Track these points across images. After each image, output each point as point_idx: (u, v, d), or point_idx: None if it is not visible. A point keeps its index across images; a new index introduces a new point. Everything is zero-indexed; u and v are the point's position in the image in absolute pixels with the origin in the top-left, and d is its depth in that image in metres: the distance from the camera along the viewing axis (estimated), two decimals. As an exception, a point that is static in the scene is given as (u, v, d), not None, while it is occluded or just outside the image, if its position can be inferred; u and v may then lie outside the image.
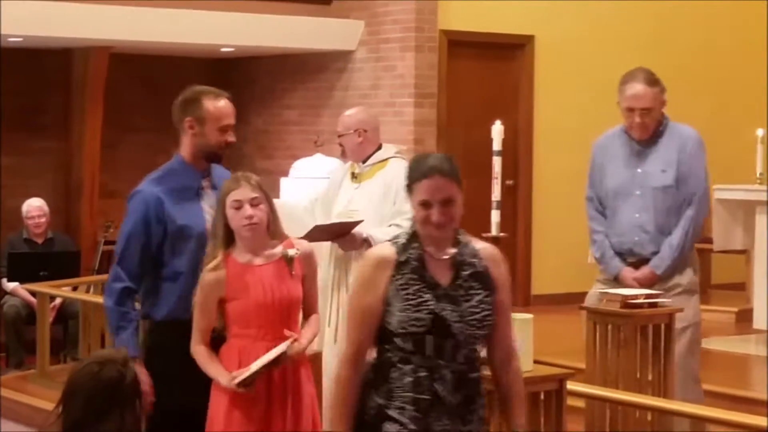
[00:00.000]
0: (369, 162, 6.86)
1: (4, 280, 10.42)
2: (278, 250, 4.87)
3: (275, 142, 12.81)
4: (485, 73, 11.72)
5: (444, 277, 4.00)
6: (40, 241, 10.77)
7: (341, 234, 6.60)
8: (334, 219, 6.78)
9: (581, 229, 11.93)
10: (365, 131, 6.83)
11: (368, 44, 11.65)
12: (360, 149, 6.84)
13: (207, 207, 5.06)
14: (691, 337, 6.45)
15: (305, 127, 12.25)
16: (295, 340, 4.81)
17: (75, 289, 10.06)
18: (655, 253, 6.43)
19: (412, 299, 3.94)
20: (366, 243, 6.50)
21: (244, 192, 4.81)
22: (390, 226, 6.57)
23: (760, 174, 10.84)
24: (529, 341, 6.05)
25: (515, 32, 11.69)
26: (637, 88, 6.41)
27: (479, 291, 4.02)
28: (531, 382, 5.54)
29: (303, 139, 11.91)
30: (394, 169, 6.76)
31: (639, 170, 6.49)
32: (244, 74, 13.22)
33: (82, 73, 11.65)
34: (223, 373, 4.77)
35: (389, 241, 4.08)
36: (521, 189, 11.80)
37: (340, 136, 6.92)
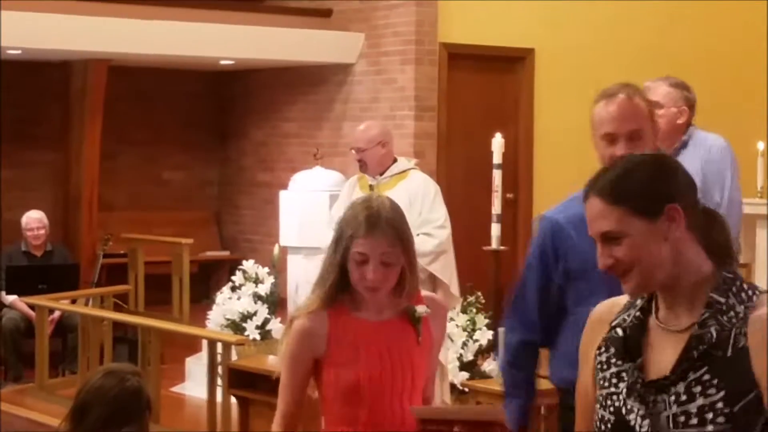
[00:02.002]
0: (387, 173, 6.88)
1: (3, 293, 10.39)
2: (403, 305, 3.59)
3: (275, 155, 12.79)
4: (485, 86, 11.71)
5: (664, 360, 2.58)
6: (38, 253, 10.74)
7: None
8: None
9: (581, 242, 11.95)
10: (387, 142, 6.90)
11: (368, 57, 11.63)
12: (383, 161, 6.89)
13: None
14: None
15: (305, 139, 12.23)
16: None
17: (74, 302, 10.03)
18: None
19: (605, 388, 2.67)
20: None
21: (374, 244, 3.44)
22: (418, 235, 6.58)
23: (761, 188, 10.82)
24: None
25: (515, 45, 11.68)
26: (655, 83, 6.13)
27: (711, 389, 2.50)
28: (532, 396, 5.52)
29: (303, 152, 11.88)
30: (417, 179, 6.82)
31: None
32: (243, 87, 13.21)
33: (81, 85, 11.63)
34: None
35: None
36: (521, 202, 11.78)
37: (361, 151, 6.88)
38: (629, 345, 2.62)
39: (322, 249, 6.99)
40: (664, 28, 12.27)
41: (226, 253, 13.29)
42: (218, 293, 9.21)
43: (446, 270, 6.76)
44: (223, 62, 12.24)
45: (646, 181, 2.60)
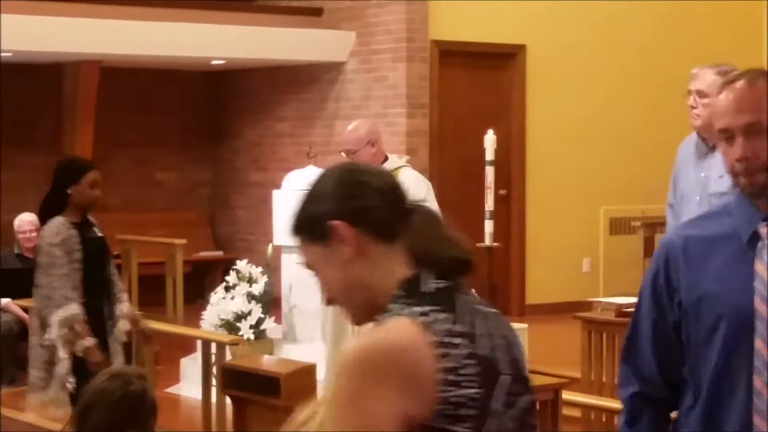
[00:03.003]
0: None
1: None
2: None
3: (268, 155, 12.79)
4: (477, 83, 11.71)
5: None
6: (32, 256, 10.72)
7: None
8: None
9: (575, 237, 11.98)
10: (376, 141, 6.86)
11: (360, 55, 11.64)
12: (375, 160, 6.85)
13: (763, 270, 2.88)
14: None
15: (298, 139, 12.23)
16: None
17: (68, 304, 10.00)
18: None
19: None
20: None
21: None
22: None
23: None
24: (523, 351, 6.05)
25: (507, 42, 11.68)
26: (703, 70, 5.91)
27: None
28: (526, 392, 5.52)
29: (295, 151, 11.89)
30: (408, 177, 6.80)
31: (702, 174, 5.90)
32: (235, 87, 13.21)
33: (73, 87, 11.63)
34: None
35: None
36: (514, 198, 11.78)
37: (353, 153, 6.84)
38: None
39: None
40: (656, 25, 12.27)
41: (219, 253, 13.29)
42: (212, 293, 9.21)
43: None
44: (214, 62, 12.24)
45: (307, 202, 2.39)
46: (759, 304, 2.84)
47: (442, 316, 2.28)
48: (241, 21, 11.52)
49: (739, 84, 3.00)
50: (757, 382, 2.83)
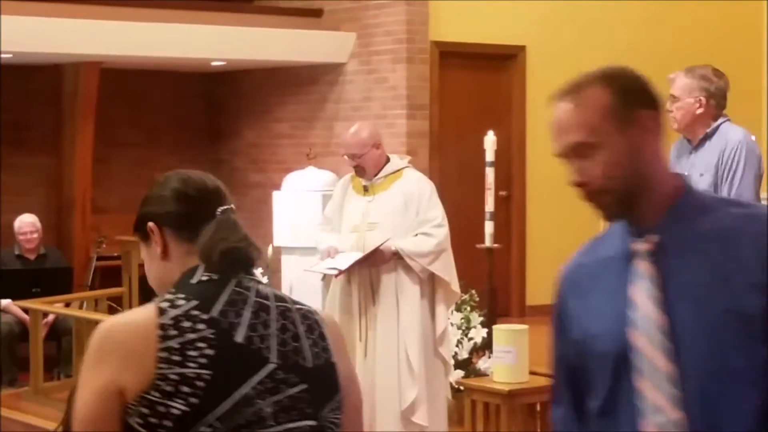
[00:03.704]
0: (382, 174, 6.81)
1: (-3, 297, 10.37)
2: None
3: (267, 156, 12.78)
4: (477, 84, 11.71)
5: None
6: (32, 257, 10.73)
7: (369, 256, 6.56)
8: (348, 233, 6.75)
9: (576, 238, 11.94)
10: (380, 143, 6.82)
11: (359, 56, 11.63)
12: (380, 162, 6.81)
13: (641, 297, 2.46)
14: None
15: (297, 140, 12.22)
16: None
17: (68, 305, 10.01)
18: None
19: None
20: (396, 256, 6.52)
21: None
22: (417, 235, 6.57)
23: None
24: (524, 352, 6.04)
25: (507, 43, 11.68)
26: (677, 74, 5.96)
27: None
28: (527, 393, 5.53)
29: (295, 152, 11.88)
30: (411, 179, 6.78)
31: (685, 173, 5.57)
32: (234, 88, 13.20)
33: (73, 88, 11.62)
34: None
35: None
36: (515, 199, 11.78)
37: (357, 157, 6.76)
38: None
39: (316, 249, 7.04)
40: (655, 26, 12.26)
41: (219, 255, 13.26)
42: (212, 295, 9.18)
43: (447, 268, 6.75)
44: (214, 63, 12.24)
45: (140, 205, 2.83)
46: (636, 338, 2.41)
47: (185, 302, 2.53)
48: (241, 22, 11.52)
49: (561, 102, 2.71)
50: (648, 429, 2.41)
